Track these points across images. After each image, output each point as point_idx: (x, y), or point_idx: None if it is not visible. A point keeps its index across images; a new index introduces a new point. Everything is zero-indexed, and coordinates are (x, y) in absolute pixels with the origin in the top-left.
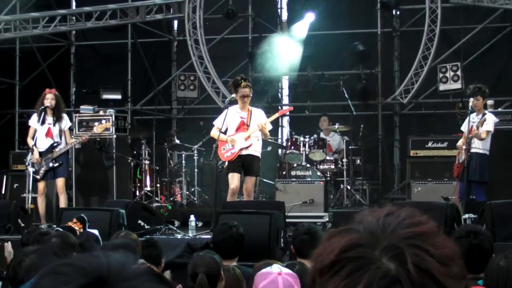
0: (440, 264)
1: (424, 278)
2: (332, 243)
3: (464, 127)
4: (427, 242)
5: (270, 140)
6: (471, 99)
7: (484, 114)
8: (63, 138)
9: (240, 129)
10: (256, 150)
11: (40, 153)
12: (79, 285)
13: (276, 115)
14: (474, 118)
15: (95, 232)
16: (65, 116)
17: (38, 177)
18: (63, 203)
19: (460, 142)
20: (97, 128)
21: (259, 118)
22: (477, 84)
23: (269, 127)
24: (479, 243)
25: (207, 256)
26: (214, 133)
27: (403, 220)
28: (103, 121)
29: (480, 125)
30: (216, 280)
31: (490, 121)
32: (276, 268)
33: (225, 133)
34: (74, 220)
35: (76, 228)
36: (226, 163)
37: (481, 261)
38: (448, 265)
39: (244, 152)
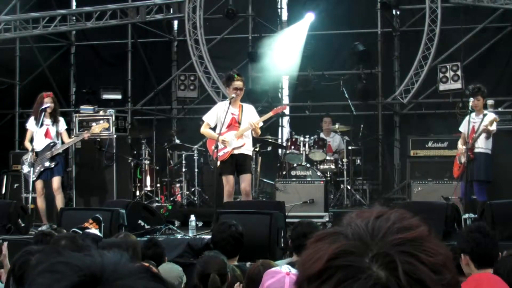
0: (432, 272)
1: (415, 287)
2: (319, 249)
3: (463, 128)
4: (418, 249)
5: (270, 140)
6: (472, 99)
7: (485, 115)
8: (59, 139)
9: (231, 126)
10: (248, 149)
11: (37, 153)
12: (73, 283)
13: (270, 114)
14: (474, 118)
15: (96, 232)
16: (61, 118)
17: (33, 176)
18: (59, 202)
19: (460, 143)
20: (95, 128)
21: (251, 115)
22: (477, 84)
23: (260, 124)
24: (490, 234)
25: (218, 257)
26: (206, 131)
27: (393, 224)
28: (101, 121)
29: (490, 125)
30: (224, 280)
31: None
32: (285, 268)
33: (215, 128)
34: (90, 221)
35: (93, 229)
36: (219, 163)
37: (495, 252)
38: (441, 272)
39: (236, 152)
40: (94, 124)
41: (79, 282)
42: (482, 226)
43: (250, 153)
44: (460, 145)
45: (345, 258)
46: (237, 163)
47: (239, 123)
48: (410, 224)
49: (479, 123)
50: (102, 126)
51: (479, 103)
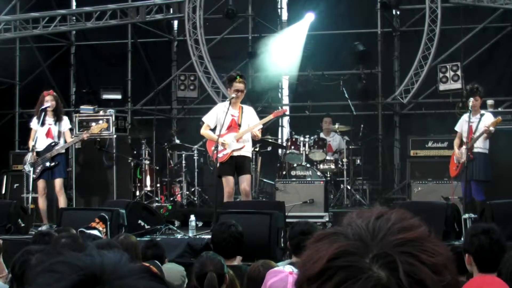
0: (432, 273)
1: (416, 287)
2: (320, 249)
3: (459, 127)
4: (419, 249)
5: (270, 140)
6: (471, 99)
7: (482, 114)
8: (62, 139)
9: (231, 128)
10: (247, 151)
11: (38, 153)
12: (73, 283)
13: (271, 116)
14: (471, 118)
15: (96, 232)
16: (65, 117)
17: (34, 176)
18: (62, 203)
19: (457, 143)
20: (94, 128)
21: (251, 117)
22: (475, 84)
23: (260, 126)
24: (498, 239)
25: (215, 257)
26: (206, 132)
27: (394, 225)
28: (100, 121)
29: (493, 126)
30: (222, 281)
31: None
32: (288, 268)
33: (214, 129)
34: (97, 220)
35: (100, 228)
36: (218, 164)
37: (500, 257)
38: (441, 273)
39: (235, 153)
40: (93, 124)
41: (79, 282)
42: (490, 229)
43: (250, 155)
44: (456, 147)
45: (346, 258)
46: (236, 164)
47: (239, 125)
48: (410, 224)
49: (477, 123)
50: (101, 126)
51: (477, 103)
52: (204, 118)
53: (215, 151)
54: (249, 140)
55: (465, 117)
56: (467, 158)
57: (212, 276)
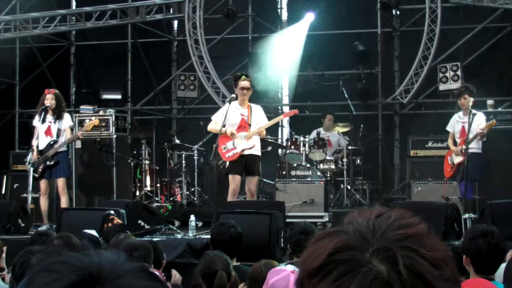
0: (432, 267)
1: (415, 281)
2: (320, 245)
3: (451, 127)
4: (418, 244)
5: (270, 140)
6: (471, 99)
7: (474, 114)
8: (62, 137)
9: (242, 127)
10: (257, 149)
11: (41, 151)
12: (71, 282)
13: (281, 117)
14: (462, 117)
15: (93, 232)
16: (66, 115)
17: (36, 175)
18: (64, 203)
19: (451, 143)
20: (86, 126)
21: (259, 116)
22: (465, 83)
23: (269, 125)
24: (496, 243)
25: (222, 256)
26: (212, 127)
27: (394, 222)
28: (93, 118)
29: (487, 128)
30: (228, 279)
31: (485, 121)
32: (290, 267)
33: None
34: (115, 217)
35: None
36: (227, 162)
37: (497, 261)
38: (441, 267)
39: (246, 152)
40: (86, 121)
41: (77, 281)
42: (489, 233)
43: (259, 153)
44: (452, 145)
45: (346, 252)
46: (246, 164)
47: (249, 125)
48: (410, 221)
49: (469, 123)
50: (93, 123)
51: (466, 102)
52: (213, 117)
53: (223, 150)
54: (258, 138)
55: (456, 117)
56: (466, 157)
57: (222, 274)
